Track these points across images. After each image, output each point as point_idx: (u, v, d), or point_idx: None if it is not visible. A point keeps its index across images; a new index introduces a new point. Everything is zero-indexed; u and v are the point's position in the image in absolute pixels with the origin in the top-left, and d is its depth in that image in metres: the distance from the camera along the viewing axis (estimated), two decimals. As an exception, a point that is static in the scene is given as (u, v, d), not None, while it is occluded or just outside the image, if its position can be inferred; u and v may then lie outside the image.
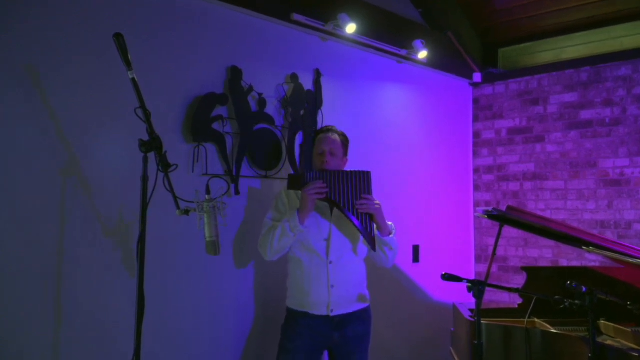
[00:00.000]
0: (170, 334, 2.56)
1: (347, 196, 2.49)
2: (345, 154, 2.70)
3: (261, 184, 2.97)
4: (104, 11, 2.38)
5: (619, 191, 3.93)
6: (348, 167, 2.73)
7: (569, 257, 4.11)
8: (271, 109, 3.02)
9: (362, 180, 2.51)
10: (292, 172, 3.06)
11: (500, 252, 4.38)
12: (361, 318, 2.61)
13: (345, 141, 2.69)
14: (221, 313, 2.77)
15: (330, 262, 2.54)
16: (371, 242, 2.51)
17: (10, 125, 2.11)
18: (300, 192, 2.53)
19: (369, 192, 2.52)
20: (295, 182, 2.53)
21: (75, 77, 2.29)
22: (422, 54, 3.81)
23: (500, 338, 2.75)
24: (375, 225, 2.53)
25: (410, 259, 3.94)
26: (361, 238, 2.59)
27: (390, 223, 2.61)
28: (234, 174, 2.81)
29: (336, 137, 2.64)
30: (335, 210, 2.58)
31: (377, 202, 2.52)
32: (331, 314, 2.52)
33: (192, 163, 2.66)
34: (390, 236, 2.59)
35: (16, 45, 2.13)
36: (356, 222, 2.47)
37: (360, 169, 2.56)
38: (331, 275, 2.52)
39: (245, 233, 2.86)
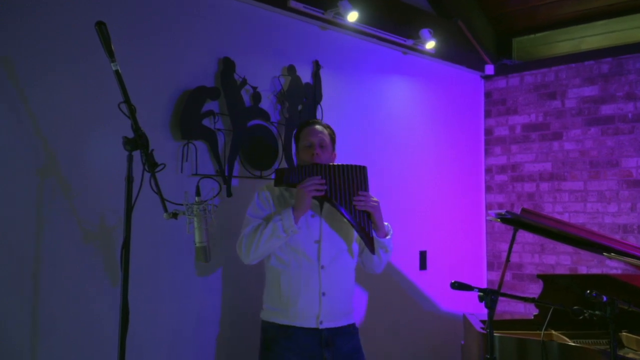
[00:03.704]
0: (156, 345, 2.56)
1: (343, 192, 2.42)
2: (334, 148, 2.63)
3: (255, 184, 2.97)
4: (85, -2, 2.39)
5: (643, 193, 3.94)
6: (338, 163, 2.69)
7: (589, 264, 4.11)
8: (266, 103, 3.02)
9: (358, 176, 2.46)
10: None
11: (514, 258, 4.38)
12: (351, 334, 2.52)
13: (333, 135, 2.62)
14: (213, 323, 2.78)
15: (322, 267, 2.44)
16: (369, 243, 2.44)
17: (-17, 121, 2.12)
18: (289, 189, 2.48)
19: (366, 188, 2.47)
20: (285, 177, 2.42)
21: (55, 69, 2.28)
22: (430, 44, 3.81)
23: (514, 352, 2.75)
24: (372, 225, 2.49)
25: (417, 265, 3.94)
26: (354, 239, 2.55)
27: (386, 223, 2.55)
28: (226, 174, 2.82)
29: (323, 129, 2.58)
30: (326, 208, 2.50)
31: (375, 199, 2.48)
32: (320, 326, 2.41)
33: (180, 162, 2.67)
34: (387, 237, 2.54)
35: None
36: (353, 222, 2.42)
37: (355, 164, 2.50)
38: (323, 282, 2.43)
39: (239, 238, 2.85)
